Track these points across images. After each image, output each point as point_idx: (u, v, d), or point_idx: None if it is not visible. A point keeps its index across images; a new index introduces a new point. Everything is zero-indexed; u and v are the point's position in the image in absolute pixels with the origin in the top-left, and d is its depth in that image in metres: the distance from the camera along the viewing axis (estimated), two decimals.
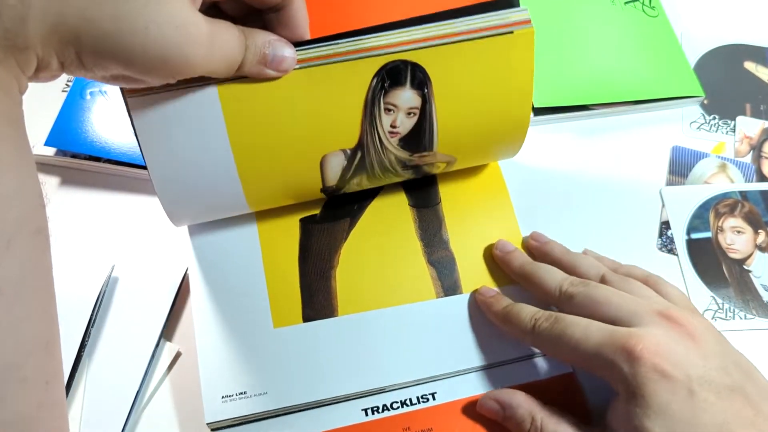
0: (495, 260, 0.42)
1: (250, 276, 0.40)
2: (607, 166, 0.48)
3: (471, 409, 0.37)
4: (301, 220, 0.41)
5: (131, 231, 0.44)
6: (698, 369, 0.30)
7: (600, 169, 0.48)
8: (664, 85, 0.51)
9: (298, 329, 0.38)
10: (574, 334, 0.33)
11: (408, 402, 0.37)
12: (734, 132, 0.50)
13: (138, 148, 0.33)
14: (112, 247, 0.43)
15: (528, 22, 0.35)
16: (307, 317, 0.39)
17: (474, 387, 0.38)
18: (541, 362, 0.39)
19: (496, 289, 0.40)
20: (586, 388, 0.38)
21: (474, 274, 0.41)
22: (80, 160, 0.45)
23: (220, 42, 0.29)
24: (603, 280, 0.37)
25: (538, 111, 0.49)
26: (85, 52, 0.25)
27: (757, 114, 0.52)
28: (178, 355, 0.40)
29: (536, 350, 0.39)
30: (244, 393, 0.36)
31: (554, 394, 0.37)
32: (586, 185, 0.47)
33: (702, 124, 0.51)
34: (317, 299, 0.39)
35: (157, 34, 0.25)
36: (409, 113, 0.35)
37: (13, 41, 0.23)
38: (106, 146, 0.45)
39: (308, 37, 0.33)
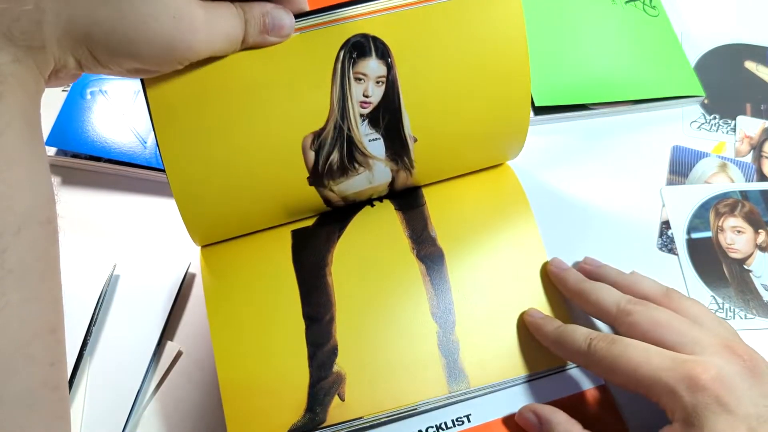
0: (549, 277, 0.41)
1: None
2: (607, 165, 0.48)
3: (505, 429, 0.37)
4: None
5: (132, 230, 0.44)
6: (759, 407, 0.30)
7: (600, 169, 0.48)
8: (664, 85, 0.51)
9: None
10: (634, 357, 0.32)
11: (443, 426, 0.36)
12: (734, 132, 0.50)
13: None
14: (114, 247, 0.43)
15: None
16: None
17: (507, 406, 0.37)
18: (572, 376, 0.38)
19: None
20: (618, 401, 0.38)
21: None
22: (80, 160, 0.45)
23: (219, 24, 0.30)
24: (660, 302, 0.36)
25: (538, 110, 0.49)
26: (98, 50, 0.27)
27: (757, 114, 0.52)
28: (179, 355, 0.40)
29: (568, 363, 0.38)
30: None
31: (588, 408, 0.37)
32: (586, 185, 0.47)
33: (702, 123, 0.51)
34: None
35: (156, 26, 0.27)
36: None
37: (30, 42, 0.25)
38: (106, 146, 0.45)
39: (306, 8, 0.34)
